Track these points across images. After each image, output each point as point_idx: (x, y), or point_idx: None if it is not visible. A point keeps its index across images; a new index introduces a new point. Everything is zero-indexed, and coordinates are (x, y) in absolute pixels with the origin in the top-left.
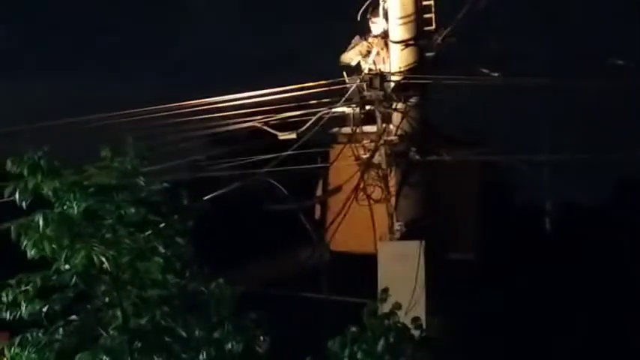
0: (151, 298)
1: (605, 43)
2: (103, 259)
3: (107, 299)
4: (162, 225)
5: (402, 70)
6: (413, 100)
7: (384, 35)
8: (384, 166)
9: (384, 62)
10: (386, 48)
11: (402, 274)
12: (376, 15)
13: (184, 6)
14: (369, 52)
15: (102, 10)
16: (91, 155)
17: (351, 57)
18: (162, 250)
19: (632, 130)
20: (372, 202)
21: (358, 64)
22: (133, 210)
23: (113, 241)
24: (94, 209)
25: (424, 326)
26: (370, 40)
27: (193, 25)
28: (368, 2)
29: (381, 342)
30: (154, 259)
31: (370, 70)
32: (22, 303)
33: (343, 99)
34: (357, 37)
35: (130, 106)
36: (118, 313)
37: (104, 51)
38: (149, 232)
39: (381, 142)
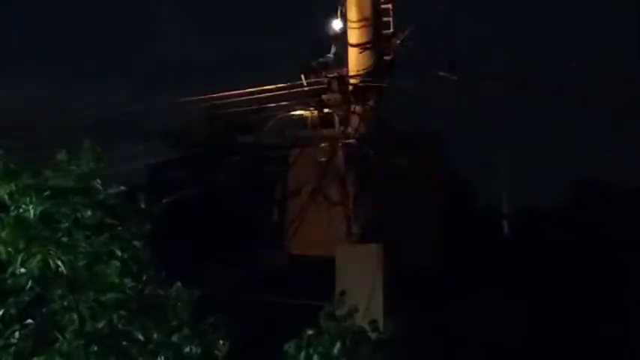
0: (107, 302)
1: (563, 47)
2: (59, 263)
3: (64, 303)
4: (119, 228)
5: (360, 73)
6: (371, 103)
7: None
8: (342, 169)
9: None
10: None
11: (360, 277)
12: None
13: (149, 14)
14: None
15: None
16: (48, 158)
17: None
18: (119, 253)
19: (589, 132)
20: (330, 205)
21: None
22: (89, 213)
23: (69, 244)
24: (51, 212)
25: (381, 329)
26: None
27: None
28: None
29: (338, 344)
30: (111, 262)
31: (329, 72)
32: None
33: (302, 101)
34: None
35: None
36: (75, 317)
37: (71, 57)
38: (106, 235)
39: (340, 144)
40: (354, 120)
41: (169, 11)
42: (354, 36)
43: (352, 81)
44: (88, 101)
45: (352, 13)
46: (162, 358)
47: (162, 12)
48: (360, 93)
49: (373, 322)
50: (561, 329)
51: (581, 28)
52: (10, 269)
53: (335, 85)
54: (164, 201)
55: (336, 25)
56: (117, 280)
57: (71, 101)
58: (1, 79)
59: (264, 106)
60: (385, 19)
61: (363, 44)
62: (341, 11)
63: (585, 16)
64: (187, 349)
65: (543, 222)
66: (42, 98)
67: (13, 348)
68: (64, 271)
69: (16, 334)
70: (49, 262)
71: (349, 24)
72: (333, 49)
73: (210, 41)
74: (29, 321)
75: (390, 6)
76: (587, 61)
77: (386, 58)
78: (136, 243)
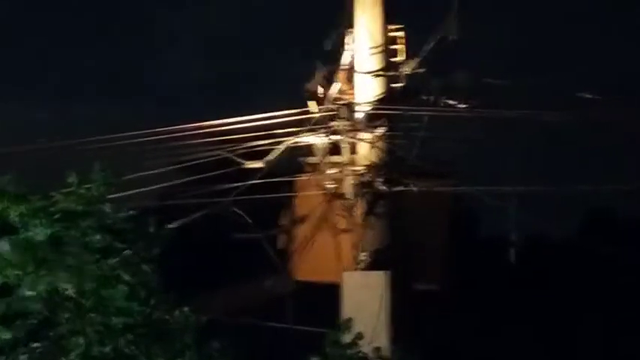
0: (114, 326)
1: (574, 76)
2: (67, 286)
3: (71, 326)
4: (127, 252)
5: (369, 100)
6: (380, 130)
7: (350, 67)
8: (349, 196)
9: (348, 95)
10: (348, 82)
11: (367, 305)
12: (346, 44)
13: (152, 34)
14: (330, 81)
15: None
16: (58, 181)
17: (314, 86)
18: (127, 277)
19: (598, 162)
20: (337, 232)
21: (324, 93)
22: (98, 237)
23: (78, 267)
24: (60, 235)
25: (387, 356)
26: (336, 72)
27: (162, 52)
28: (335, 33)
29: None
30: (119, 286)
31: (338, 99)
32: None
33: (312, 128)
34: (319, 65)
35: (97, 133)
36: (81, 341)
37: (69, 76)
38: (114, 259)
39: (347, 172)
40: (363, 147)
41: (175, 32)
42: (364, 63)
43: (361, 108)
44: (94, 124)
45: (362, 40)
46: None
47: (168, 32)
48: (369, 120)
49: (377, 349)
50: (568, 356)
51: (596, 52)
52: (18, 292)
53: (344, 112)
54: (172, 225)
55: (348, 51)
56: (124, 304)
57: (74, 123)
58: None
59: (272, 132)
60: (395, 46)
61: (374, 71)
62: (352, 39)
63: (602, 41)
64: None
65: (551, 250)
66: (44, 120)
67: None
68: (72, 295)
69: (24, 357)
70: (57, 286)
71: (360, 51)
72: (337, 84)
73: (220, 64)
74: (36, 344)
75: (401, 33)
76: (598, 89)
77: (396, 85)
78: (145, 267)
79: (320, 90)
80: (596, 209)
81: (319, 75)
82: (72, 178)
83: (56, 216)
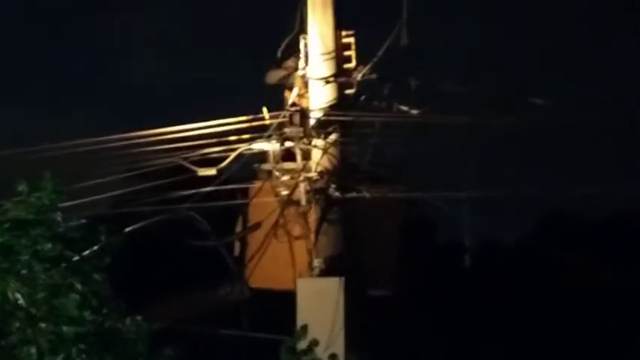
0: (66, 335)
1: (526, 81)
2: (18, 295)
3: (22, 336)
4: (79, 261)
5: (322, 106)
6: (333, 137)
7: (303, 74)
8: (303, 202)
9: (304, 100)
10: (305, 87)
11: (322, 311)
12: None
13: (111, 40)
14: (291, 87)
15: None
16: (8, 190)
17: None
18: (78, 286)
19: (551, 166)
20: (291, 238)
21: (281, 97)
22: (49, 245)
23: (29, 276)
24: (10, 244)
25: None
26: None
27: (117, 59)
28: (288, 39)
29: None
30: (71, 295)
31: (291, 105)
32: None
33: (265, 135)
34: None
35: (50, 140)
36: (33, 350)
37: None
38: (65, 267)
39: (301, 178)
40: (316, 154)
41: (133, 39)
42: (316, 69)
43: (314, 115)
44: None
45: (314, 47)
46: None
47: (126, 40)
48: (322, 127)
49: (333, 355)
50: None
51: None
52: None
53: (296, 118)
54: (126, 230)
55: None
56: (76, 313)
57: (32, 131)
58: None
59: (225, 139)
60: (347, 52)
61: (325, 78)
62: (304, 45)
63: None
64: None
65: (506, 256)
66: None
67: None
68: (23, 304)
69: None
70: (7, 295)
71: (312, 57)
72: (295, 89)
73: (173, 70)
74: None
75: (352, 39)
76: (551, 95)
77: (348, 91)
78: (96, 276)
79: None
80: (550, 213)
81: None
82: (22, 187)
83: (6, 225)
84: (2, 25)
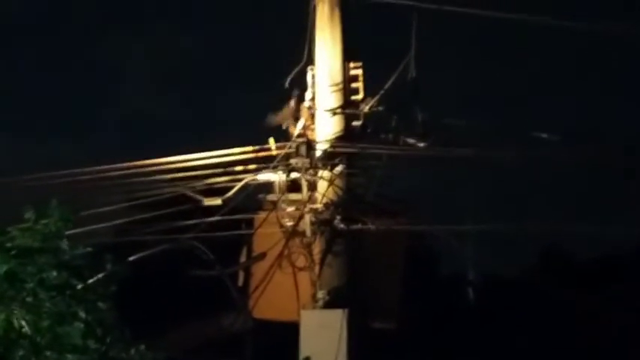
0: None
1: (531, 116)
2: (23, 323)
3: None
4: (84, 289)
5: (328, 138)
6: (339, 168)
7: (310, 105)
8: (308, 234)
9: (310, 131)
10: (311, 118)
11: (325, 343)
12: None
13: (112, 68)
14: (297, 119)
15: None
16: (14, 217)
17: (281, 119)
18: (83, 314)
19: (554, 201)
20: (295, 269)
21: (286, 129)
22: (55, 273)
23: (34, 304)
24: (16, 272)
25: None
26: (300, 108)
27: (120, 89)
28: (295, 70)
29: None
30: (75, 323)
31: (298, 136)
32: None
33: (271, 165)
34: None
35: (54, 168)
36: None
37: (30, 110)
38: (70, 296)
39: (306, 210)
40: (322, 185)
41: (135, 67)
42: (324, 101)
43: (320, 146)
44: (50, 159)
45: (322, 78)
46: None
47: (128, 68)
48: (328, 158)
49: None
50: None
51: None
52: None
53: (303, 149)
54: (131, 259)
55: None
56: (80, 342)
57: (30, 159)
58: None
59: (230, 169)
60: (354, 84)
61: (333, 109)
62: (312, 77)
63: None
64: None
65: (509, 290)
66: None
67: None
68: (28, 332)
69: None
70: (12, 322)
71: (320, 89)
72: (302, 120)
73: (177, 99)
74: None
75: (359, 72)
76: (553, 131)
77: (355, 123)
78: (101, 304)
79: (284, 123)
80: (552, 248)
81: (286, 111)
82: (29, 214)
83: (13, 252)
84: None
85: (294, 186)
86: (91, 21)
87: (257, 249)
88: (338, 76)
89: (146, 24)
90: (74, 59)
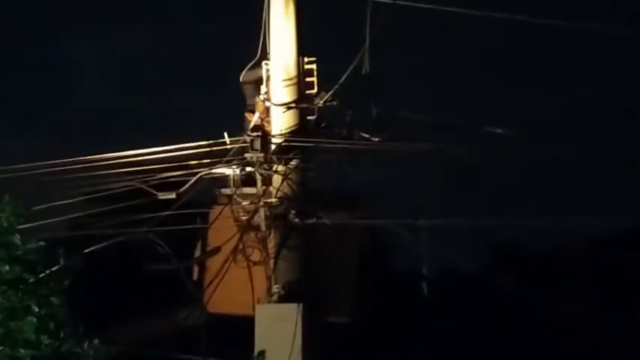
0: (23, 358)
1: (487, 111)
2: None
3: None
4: (37, 283)
5: (283, 132)
6: (293, 162)
7: (265, 99)
8: (263, 228)
9: (266, 124)
10: (266, 112)
11: (280, 337)
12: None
13: (70, 62)
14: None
15: None
16: None
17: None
18: (36, 309)
19: (510, 195)
20: (250, 264)
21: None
22: (7, 268)
23: None
24: None
25: None
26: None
27: (78, 82)
28: (250, 65)
29: None
30: (28, 318)
31: (252, 130)
32: None
33: (225, 159)
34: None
35: (7, 163)
36: None
37: None
38: (23, 290)
39: (261, 204)
40: (276, 179)
41: (91, 61)
42: (278, 95)
43: (275, 140)
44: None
45: (276, 72)
46: None
47: (84, 61)
48: (283, 152)
49: None
50: None
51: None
52: None
53: (257, 143)
54: (85, 251)
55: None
56: (33, 337)
57: None
58: None
59: (185, 163)
60: (309, 78)
61: (287, 104)
62: (266, 71)
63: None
64: None
65: (464, 284)
66: None
67: None
68: None
69: None
70: None
71: (274, 83)
72: (257, 114)
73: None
74: None
75: (314, 66)
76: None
77: (309, 118)
78: (54, 299)
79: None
80: (505, 243)
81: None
82: None
83: None
84: None
85: (248, 180)
86: (46, 19)
87: (212, 243)
88: (292, 71)
89: (98, 23)
90: (31, 57)
